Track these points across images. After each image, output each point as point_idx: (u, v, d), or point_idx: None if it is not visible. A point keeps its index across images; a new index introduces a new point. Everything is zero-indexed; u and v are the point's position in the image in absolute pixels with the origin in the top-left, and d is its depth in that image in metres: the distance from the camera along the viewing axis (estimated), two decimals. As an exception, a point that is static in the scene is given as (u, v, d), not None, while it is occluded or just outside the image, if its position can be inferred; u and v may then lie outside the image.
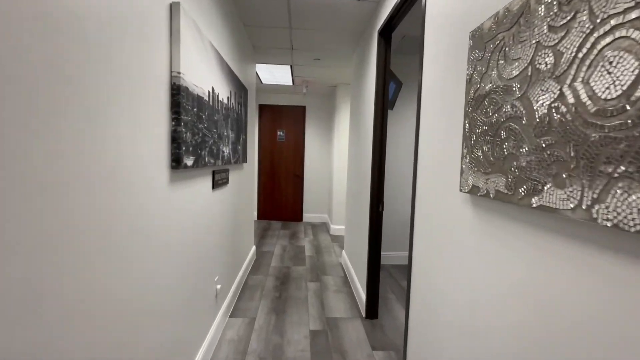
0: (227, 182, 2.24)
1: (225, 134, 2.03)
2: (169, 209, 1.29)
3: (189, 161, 1.39)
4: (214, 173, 1.90)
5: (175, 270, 1.36)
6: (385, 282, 3.15)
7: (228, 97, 2.08)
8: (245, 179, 3.07)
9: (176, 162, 1.29)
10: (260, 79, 4.73)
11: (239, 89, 2.43)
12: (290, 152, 5.77)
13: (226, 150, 2.07)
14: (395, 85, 3.10)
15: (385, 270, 3.46)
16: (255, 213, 5.81)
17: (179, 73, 1.27)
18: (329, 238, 4.79)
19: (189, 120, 1.37)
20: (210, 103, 1.69)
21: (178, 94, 1.27)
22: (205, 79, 1.60)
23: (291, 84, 4.87)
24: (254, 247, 3.67)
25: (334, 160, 5.10)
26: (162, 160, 1.22)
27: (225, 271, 2.28)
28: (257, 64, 3.96)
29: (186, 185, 1.47)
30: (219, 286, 2.05)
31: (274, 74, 4.44)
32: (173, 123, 1.28)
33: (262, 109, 5.70)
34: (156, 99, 1.14)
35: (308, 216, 5.87)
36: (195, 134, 1.45)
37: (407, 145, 3.52)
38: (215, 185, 1.94)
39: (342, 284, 3.05)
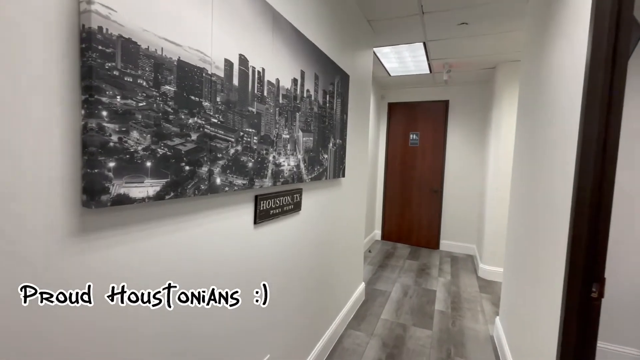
0: (296, 209, 1.49)
1: (286, 135, 1.29)
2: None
3: (142, 189, 0.70)
4: (257, 200, 1.19)
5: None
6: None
7: (295, 80, 1.33)
8: (347, 199, 2.26)
9: (89, 193, 0.62)
10: (387, 71, 3.84)
11: (327, 71, 1.65)
12: (425, 160, 4.57)
13: (288, 162, 1.32)
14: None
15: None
16: (379, 232, 4.91)
17: (89, 3, 0.60)
18: (476, 283, 3.36)
19: (132, 106, 0.68)
20: (235, 82, 0.98)
21: (89, 49, 0.60)
22: (214, 35, 0.89)
23: (427, 71, 3.74)
24: (362, 285, 2.81)
25: (489, 173, 3.61)
26: (52, 189, 0.57)
27: (289, 340, 1.53)
28: (378, 49, 3.10)
29: (144, 234, 0.78)
30: (268, 372, 1.32)
31: (404, 61, 3.46)
32: (84, 111, 0.61)
33: (392, 108, 4.76)
34: (29, 49, 0.50)
35: (447, 244, 4.50)
36: (164, 135, 0.76)
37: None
38: (262, 217, 1.22)
39: (492, 388, 1.79)
